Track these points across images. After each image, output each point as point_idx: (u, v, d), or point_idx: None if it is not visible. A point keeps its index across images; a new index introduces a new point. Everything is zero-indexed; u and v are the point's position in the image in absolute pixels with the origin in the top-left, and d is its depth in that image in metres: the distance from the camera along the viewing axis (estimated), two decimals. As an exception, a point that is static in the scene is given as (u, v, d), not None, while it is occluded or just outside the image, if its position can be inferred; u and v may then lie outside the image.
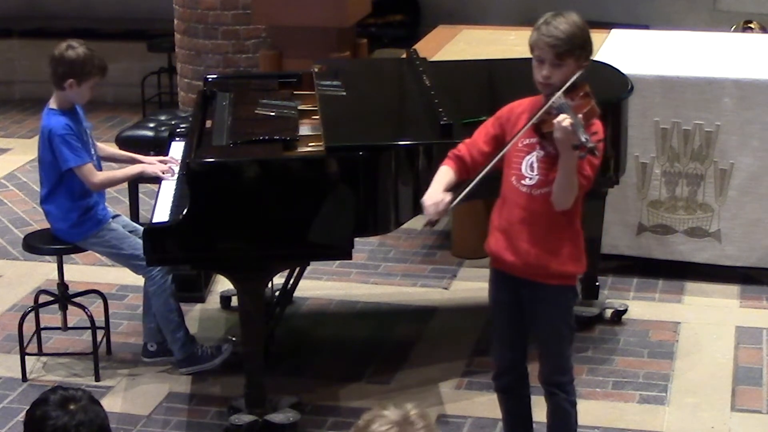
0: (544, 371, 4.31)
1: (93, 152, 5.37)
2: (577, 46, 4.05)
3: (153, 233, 4.75)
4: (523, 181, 4.11)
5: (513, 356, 4.35)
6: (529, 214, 4.11)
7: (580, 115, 3.92)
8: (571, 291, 4.26)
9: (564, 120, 3.86)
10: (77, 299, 5.61)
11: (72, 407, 2.92)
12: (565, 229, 4.14)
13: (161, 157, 5.54)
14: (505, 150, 4.08)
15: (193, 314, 5.99)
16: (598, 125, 4.09)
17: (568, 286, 4.22)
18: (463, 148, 4.23)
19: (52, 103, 5.30)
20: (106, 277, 6.33)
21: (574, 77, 4.03)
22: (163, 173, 5.34)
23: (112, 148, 5.85)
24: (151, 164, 5.44)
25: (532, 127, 4.03)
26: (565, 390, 4.29)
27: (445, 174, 4.17)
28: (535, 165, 4.09)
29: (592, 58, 6.17)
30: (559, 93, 3.99)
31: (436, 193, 4.07)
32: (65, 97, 5.27)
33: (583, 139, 3.81)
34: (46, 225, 5.51)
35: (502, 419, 4.54)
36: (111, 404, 5.12)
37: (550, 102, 3.99)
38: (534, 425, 4.51)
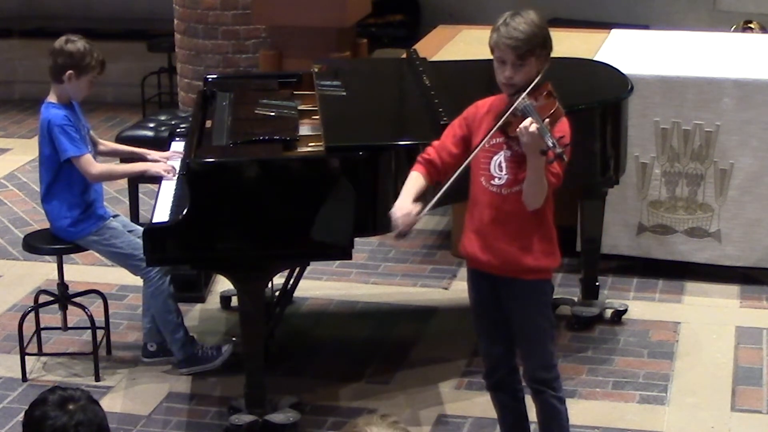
0: (528, 369, 4.31)
1: (90, 149, 5.37)
2: (538, 45, 4.05)
3: (153, 233, 4.75)
4: (492, 182, 4.12)
5: (500, 352, 4.35)
6: (500, 214, 4.12)
7: (547, 119, 3.90)
8: (547, 285, 4.28)
9: (531, 125, 3.86)
10: (77, 299, 5.61)
11: (71, 407, 2.92)
12: (537, 225, 4.15)
13: (163, 153, 5.55)
14: (470, 157, 4.08)
15: (193, 314, 5.99)
16: (564, 124, 4.10)
17: (543, 280, 4.24)
18: (432, 151, 4.23)
19: (51, 98, 5.32)
20: (106, 277, 6.33)
21: (537, 80, 4.02)
22: (166, 173, 5.34)
23: (113, 144, 5.87)
24: (154, 163, 5.45)
25: (495, 125, 4.04)
26: (552, 386, 4.28)
27: (415, 180, 4.18)
28: (504, 165, 4.10)
29: (592, 58, 6.27)
30: (524, 95, 3.98)
31: (405, 204, 4.08)
32: (63, 90, 5.28)
33: (551, 144, 3.81)
34: (46, 225, 5.51)
35: (497, 418, 4.54)
36: (111, 404, 5.12)
37: (513, 105, 3.99)
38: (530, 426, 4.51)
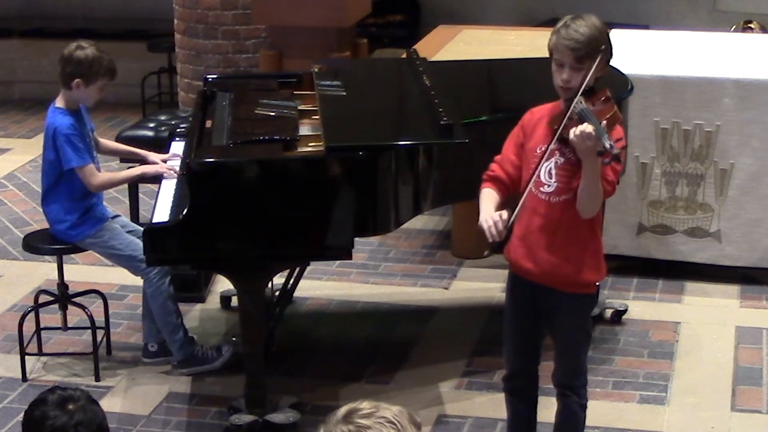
0: (558, 373, 4.30)
1: (94, 154, 5.38)
2: (597, 48, 3.99)
3: (153, 233, 4.74)
4: (541, 188, 4.06)
5: (525, 361, 4.34)
6: (547, 222, 4.06)
7: (604, 121, 3.85)
8: (589, 298, 4.22)
9: (586, 127, 3.81)
10: (77, 299, 5.61)
11: (70, 407, 2.92)
12: (585, 236, 4.09)
13: (163, 155, 5.55)
14: (539, 167, 3.99)
15: (193, 314, 5.99)
16: (619, 131, 4.04)
17: (586, 294, 4.18)
18: (495, 167, 4.17)
19: (59, 102, 5.31)
20: (106, 277, 6.32)
21: (588, 76, 3.95)
22: (165, 172, 5.34)
23: (114, 143, 5.87)
24: (152, 164, 5.45)
25: (554, 133, 3.96)
26: (578, 393, 4.28)
27: (489, 195, 4.11)
28: (554, 172, 4.04)
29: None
30: (579, 97, 3.93)
31: (490, 213, 3.97)
32: (72, 96, 5.28)
33: (608, 146, 3.74)
34: (47, 225, 5.51)
35: (507, 419, 4.54)
36: (111, 404, 5.12)
37: (570, 108, 3.93)
38: (539, 426, 4.52)
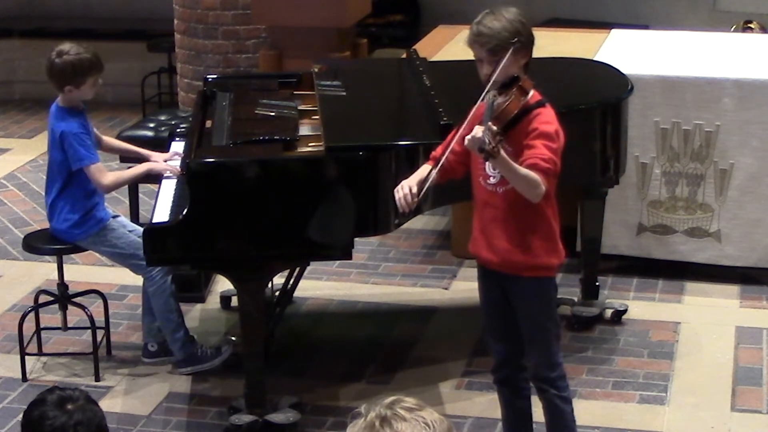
0: (531, 367, 4.33)
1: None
2: (507, 40, 4.05)
3: (153, 233, 4.75)
4: (488, 180, 4.16)
5: (508, 349, 4.37)
6: (498, 212, 4.16)
7: (495, 117, 3.93)
8: (549, 283, 4.28)
9: (477, 131, 3.88)
10: (77, 299, 5.61)
11: (70, 407, 2.92)
12: (536, 221, 4.17)
13: (163, 155, 5.55)
14: (452, 144, 4.20)
15: (193, 314, 5.99)
16: (543, 116, 4.07)
17: (545, 278, 4.24)
18: (439, 149, 4.32)
19: (61, 102, 5.30)
20: (106, 277, 6.33)
21: (497, 69, 4.03)
22: (170, 171, 5.33)
23: (116, 141, 5.86)
24: (156, 162, 5.45)
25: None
26: (555, 386, 4.30)
27: (423, 169, 4.27)
28: None
29: (592, 58, 6.26)
30: (489, 92, 4.02)
31: (402, 185, 4.20)
32: (69, 98, 5.28)
33: (486, 141, 3.82)
34: (46, 225, 5.51)
35: (501, 414, 4.55)
36: (111, 404, 5.13)
37: (484, 101, 4.04)
38: (535, 426, 4.51)
